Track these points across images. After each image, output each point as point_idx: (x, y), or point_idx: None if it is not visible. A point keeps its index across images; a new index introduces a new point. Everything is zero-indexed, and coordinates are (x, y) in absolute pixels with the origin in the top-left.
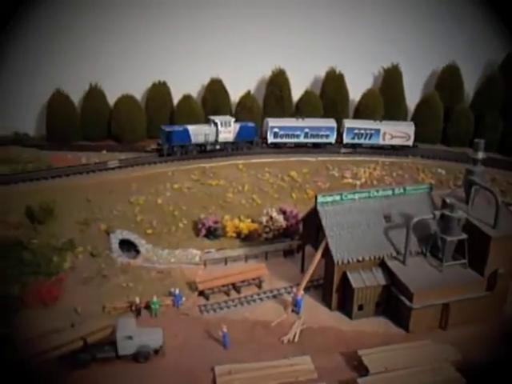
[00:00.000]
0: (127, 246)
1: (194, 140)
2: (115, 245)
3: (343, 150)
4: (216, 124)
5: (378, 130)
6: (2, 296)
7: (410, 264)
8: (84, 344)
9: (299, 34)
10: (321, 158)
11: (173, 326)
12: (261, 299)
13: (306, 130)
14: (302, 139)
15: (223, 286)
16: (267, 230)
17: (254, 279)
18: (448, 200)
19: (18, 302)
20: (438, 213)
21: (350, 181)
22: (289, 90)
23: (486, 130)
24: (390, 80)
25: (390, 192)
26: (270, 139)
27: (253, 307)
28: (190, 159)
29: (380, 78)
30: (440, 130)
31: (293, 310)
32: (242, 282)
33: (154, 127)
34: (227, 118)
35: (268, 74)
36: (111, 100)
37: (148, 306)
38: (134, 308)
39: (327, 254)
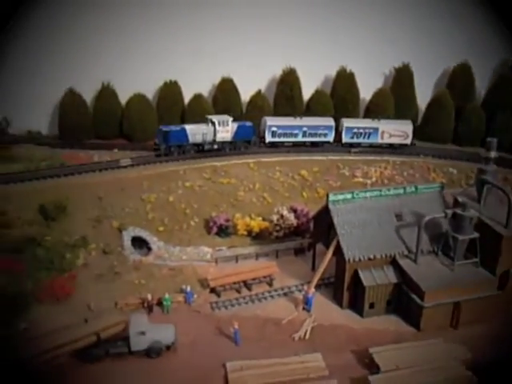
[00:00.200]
0: (139, 243)
1: (191, 140)
2: (127, 242)
3: (354, 150)
4: (214, 123)
5: (376, 129)
6: (17, 291)
7: (422, 262)
8: (97, 339)
9: (310, 33)
10: (331, 157)
11: (184, 322)
12: (272, 297)
13: (305, 129)
14: (300, 138)
15: (234, 283)
16: (278, 228)
17: (265, 277)
18: (460, 199)
19: (31, 297)
20: (449, 212)
21: (361, 180)
22: (299, 89)
23: (498, 129)
24: (401, 79)
25: (401, 190)
26: (268, 138)
27: (264, 305)
28: (202, 158)
29: (391, 77)
30: (451, 129)
31: (304, 308)
32: (253, 279)
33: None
34: (225, 117)
35: (279, 73)
36: (123, 99)
37: (160, 303)
38: (146, 304)
39: (338, 252)
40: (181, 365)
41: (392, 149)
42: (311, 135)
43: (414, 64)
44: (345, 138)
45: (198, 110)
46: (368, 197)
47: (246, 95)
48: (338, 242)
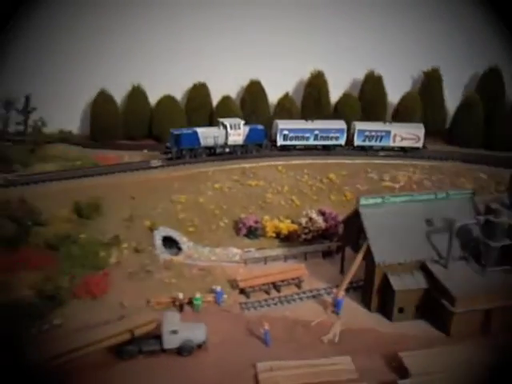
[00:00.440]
0: (169, 242)
1: (203, 143)
2: (158, 241)
3: (381, 154)
4: (225, 126)
5: (388, 132)
6: (53, 287)
7: (452, 268)
8: (131, 336)
9: (338, 35)
10: (360, 161)
11: (214, 322)
12: (300, 299)
13: (316, 132)
14: (311, 141)
15: (264, 284)
16: (306, 230)
17: (293, 279)
18: (493, 205)
19: (67, 293)
20: (482, 218)
21: (389, 184)
22: (327, 91)
23: None
24: (430, 83)
25: (432, 196)
26: (280, 142)
27: (293, 306)
28: (231, 159)
29: (419, 80)
30: (481, 133)
31: (333, 311)
32: (282, 281)
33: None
34: (237, 120)
35: (307, 75)
36: (152, 100)
37: (190, 302)
38: (177, 303)
39: (368, 255)
40: (211, 363)
41: (404, 152)
42: (323, 138)
43: (443, 67)
44: (357, 141)
45: (226, 112)
46: (398, 201)
47: (273, 98)
48: (368, 246)
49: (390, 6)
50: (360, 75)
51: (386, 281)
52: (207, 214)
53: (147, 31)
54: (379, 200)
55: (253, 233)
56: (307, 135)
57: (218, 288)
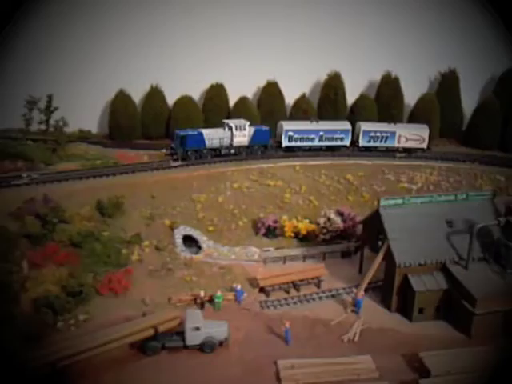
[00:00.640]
0: (189, 241)
1: (208, 144)
2: (179, 240)
3: (398, 155)
4: (231, 128)
5: (393, 133)
6: (77, 283)
7: (473, 270)
8: (155, 332)
9: (355, 37)
10: (377, 162)
11: (235, 319)
12: (320, 298)
13: (321, 133)
14: (316, 142)
15: (283, 283)
16: (325, 230)
17: (313, 278)
18: None
19: (91, 289)
20: (503, 219)
21: (406, 185)
22: (344, 93)
23: None
24: (447, 85)
25: (452, 197)
26: (285, 143)
27: (312, 306)
28: (249, 160)
29: (436, 82)
30: (498, 135)
31: (352, 310)
32: (302, 280)
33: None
34: (242, 121)
35: (323, 77)
36: (170, 100)
37: (211, 300)
38: (198, 301)
39: (388, 256)
40: (233, 360)
41: (408, 153)
42: (328, 139)
43: (461, 69)
44: (362, 142)
45: (242, 113)
46: (419, 203)
47: (290, 98)
48: (388, 247)
49: (409, 7)
50: (377, 76)
51: (406, 281)
52: (226, 213)
53: (166, 32)
54: (399, 201)
55: (271, 232)
56: (312, 136)
57: (238, 286)
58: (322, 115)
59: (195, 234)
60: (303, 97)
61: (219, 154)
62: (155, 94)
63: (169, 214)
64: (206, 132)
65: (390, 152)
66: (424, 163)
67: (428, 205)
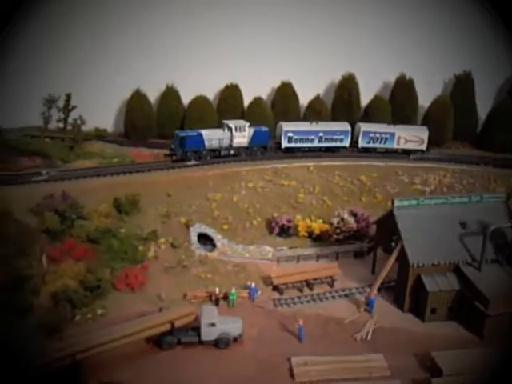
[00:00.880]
0: (204, 239)
1: (208, 145)
2: (194, 237)
3: (412, 157)
4: (230, 128)
5: (392, 134)
6: (95, 278)
7: (486, 271)
8: (171, 327)
9: (369, 39)
10: (390, 163)
11: (249, 316)
12: (333, 297)
13: (321, 134)
14: (316, 143)
15: (297, 282)
16: (338, 231)
17: (326, 278)
18: None
19: (108, 284)
20: None
21: (420, 187)
22: (358, 94)
23: None
24: (462, 87)
25: (466, 199)
26: (284, 144)
27: (325, 304)
28: (263, 160)
29: (451, 84)
30: None
31: (365, 310)
32: (315, 279)
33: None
34: (241, 122)
35: (338, 78)
36: (185, 100)
37: (226, 297)
38: (213, 298)
39: (402, 256)
40: (247, 356)
41: (407, 154)
42: (327, 140)
43: (475, 72)
44: (361, 143)
45: (257, 113)
46: (433, 204)
47: (304, 99)
48: (402, 247)
49: (424, 8)
50: (391, 78)
51: (419, 282)
52: (241, 212)
53: (182, 32)
54: (414, 202)
55: (285, 232)
56: (312, 137)
57: (253, 284)
58: (335, 116)
59: (210, 232)
60: (317, 98)
61: (219, 154)
62: (171, 94)
63: (184, 212)
64: (205, 133)
65: (390, 153)
66: (437, 165)
67: (442, 206)
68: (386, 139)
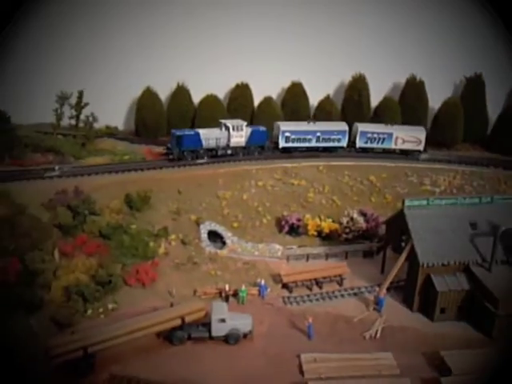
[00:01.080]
0: (213, 236)
1: (205, 144)
2: (204, 235)
3: (423, 157)
4: (228, 128)
5: (390, 135)
6: (106, 273)
7: (496, 272)
8: (182, 323)
9: (380, 40)
10: (400, 164)
11: (258, 313)
12: (342, 296)
13: (318, 134)
14: (313, 143)
15: (306, 280)
16: (347, 230)
17: (335, 276)
18: None
19: (119, 280)
20: None
21: (429, 188)
22: (368, 95)
23: None
24: (472, 89)
25: (476, 200)
26: (282, 144)
27: (334, 303)
28: (273, 159)
29: (461, 86)
30: None
31: (374, 309)
32: (324, 278)
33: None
34: (239, 121)
35: (348, 78)
36: (196, 99)
37: (235, 294)
38: (223, 294)
39: (412, 256)
40: (257, 352)
41: (404, 155)
42: (325, 140)
43: (487, 74)
44: (359, 143)
45: (267, 112)
46: (443, 204)
47: (314, 99)
48: (412, 247)
49: (435, 10)
50: (402, 79)
51: (429, 281)
52: (251, 210)
53: (192, 31)
54: (424, 202)
55: (295, 230)
56: (309, 137)
57: (262, 281)
58: (345, 117)
59: (220, 229)
60: (327, 98)
61: (216, 154)
62: (181, 92)
63: (195, 210)
64: (202, 132)
65: (387, 153)
66: (447, 167)
67: (452, 207)
68: (384, 139)
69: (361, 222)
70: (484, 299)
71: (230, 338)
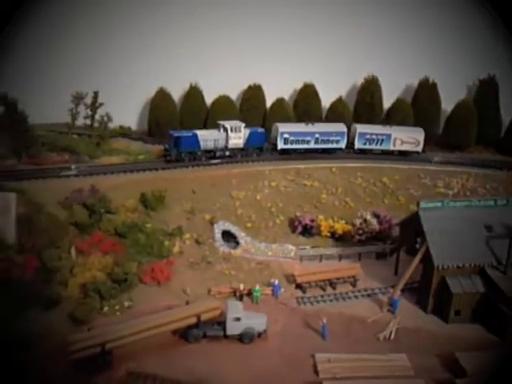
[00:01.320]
0: (227, 236)
1: (203, 146)
2: (218, 234)
3: (436, 159)
4: (226, 129)
5: (389, 136)
6: (122, 271)
7: (511, 274)
8: (197, 321)
9: (392, 42)
10: (413, 166)
11: (272, 313)
12: (356, 297)
13: (317, 136)
14: (312, 145)
15: (320, 281)
16: (360, 232)
17: (349, 277)
18: None
19: (135, 278)
20: None
21: (442, 190)
22: (380, 97)
23: None
24: (485, 91)
25: (491, 202)
26: (280, 145)
27: (348, 304)
28: (286, 160)
29: (475, 88)
30: None
31: (388, 310)
32: (338, 279)
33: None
34: (237, 123)
35: (360, 80)
36: (209, 99)
37: (249, 293)
38: (237, 294)
39: (426, 258)
40: (272, 352)
41: (403, 156)
42: (323, 142)
43: (501, 76)
44: (357, 144)
45: (279, 113)
46: (458, 206)
47: (326, 101)
48: (427, 249)
49: (448, 12)
50: (414, 81)
51: (443, 283)
52: (264, 210)
53: (206, 32)
54: (439, 204)
55: (308, 231)
56: (308, 139)
57: (276, 281)
58: (357, 118)
59: (234, 229)
60: (339, 99)
61: (214, 156)
62: (194, 93)
63: (209, 210)
64: (200, 133)
65: (386, 155)
66: (460, 169)
67: (467, 209)
68: (383, 140)
69: (374, 223)
70: (499, 302)
71: (244, 337)
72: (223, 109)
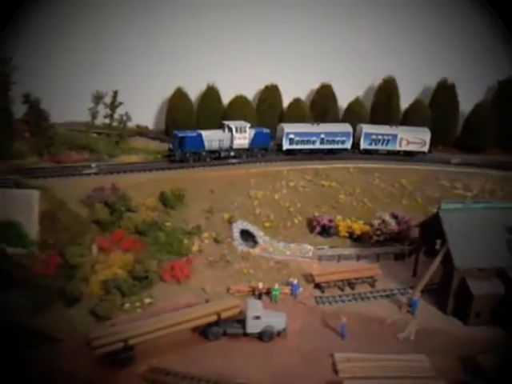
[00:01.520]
0: (245, 235)
1: (207, 146)
2: (236, 234)
3: (454, 161)
4: (231, 130)
5: (395, 136)
6: (142, 269)
7: None
8: (218, 318)
9: (409, 42)
10: (431, 168)
11: (291, 312)
12: (374, 297)
13: (322, 136)
14: (317, 145)
15: (338, 280)
16: (379, 232)
17: (367, 278)
18: None
19: (155, 275)
20: None
21: (461, 192)
22: (397, 98)
23: None
24: (505, 93)
25: None
26: (286, 146)
27: (367, 304)
28: (304, 160)
29: (494, 90)
30: None
31: (408, 311)
32: (357, 279)
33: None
34: (242, 123)
35: (378, 81)
36: (226, 100)
37: (268, 292)
38: (256, 292)
39: (447, 259)
40: (291, 350)
41: (409, 156)
42: (329, 142)
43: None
44: (363, 145)
45: (296, 114)
46: (479, 208)
47: (343, 101)
48: (448, 250)
49: (467, 12)
50: (432, 82)
51: (463, 285)
52: (282, 210)
53: (222, 32)
54: (460, 205)
55: (326, 231)
56: (313, 139)
57: (295, 281)
58: (375, 119)
59: (252, 228)
60: (356, 100)
61: (218, 156)
62: (211, 93)
63: (227, 209)
64: (205, 134)
65: (392, 155)
66: (479, 171)
67: (488, 211)
68: (388, 141)
69: (392, 224)
70: None
71: (264, 335)
72: (240, 109)
